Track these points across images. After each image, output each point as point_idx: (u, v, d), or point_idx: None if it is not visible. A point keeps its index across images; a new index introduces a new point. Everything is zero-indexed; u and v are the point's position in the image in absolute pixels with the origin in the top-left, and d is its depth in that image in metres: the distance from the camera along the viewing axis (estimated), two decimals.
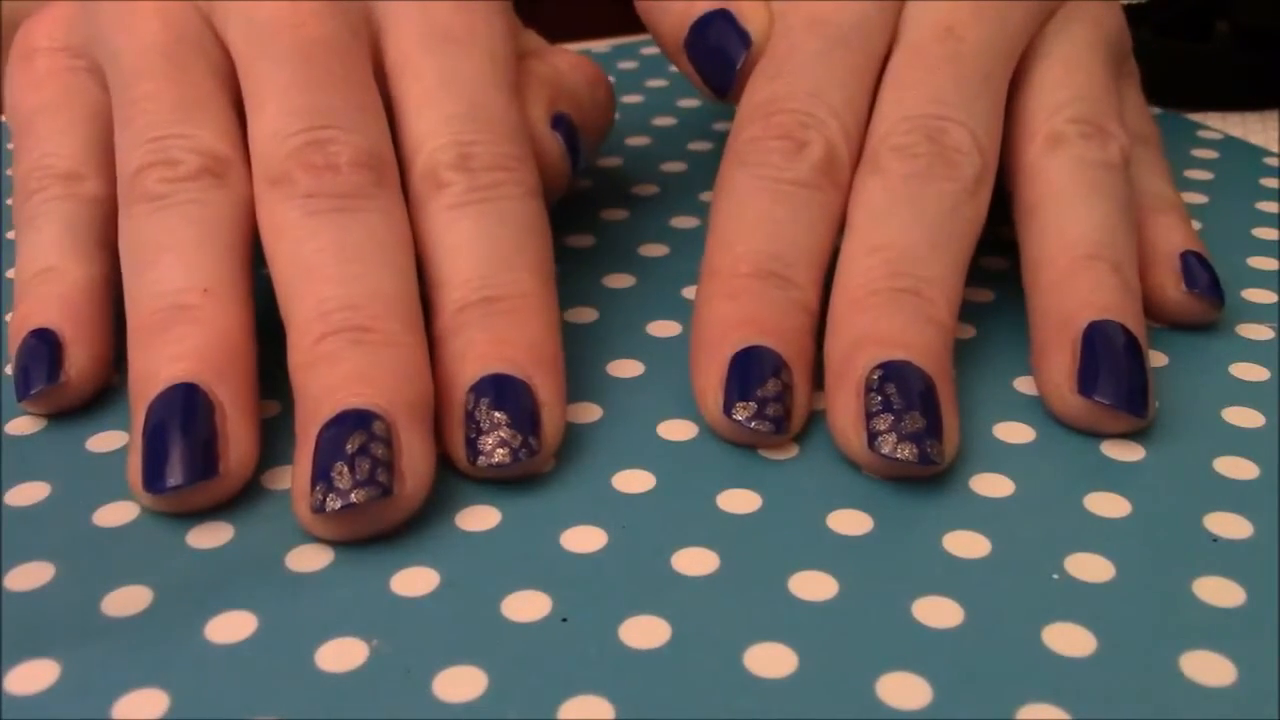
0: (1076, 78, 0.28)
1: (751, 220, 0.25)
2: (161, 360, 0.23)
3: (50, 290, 0.25)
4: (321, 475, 0.21)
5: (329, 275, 0.23)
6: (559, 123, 0.29)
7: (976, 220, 0.26)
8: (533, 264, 0.25)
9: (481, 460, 0.22)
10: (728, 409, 0.23)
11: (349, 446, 0.21)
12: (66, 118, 0.28)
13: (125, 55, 0.26)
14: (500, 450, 0.22)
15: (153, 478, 0.21)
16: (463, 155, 0.25)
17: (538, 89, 0.29)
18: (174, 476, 0.21)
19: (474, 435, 0.22)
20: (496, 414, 0.22)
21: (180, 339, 0.23)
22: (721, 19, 0.29)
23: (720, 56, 0.29)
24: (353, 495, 0.20)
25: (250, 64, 0.25)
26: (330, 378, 0.22)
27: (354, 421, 0.21)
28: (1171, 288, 0.27)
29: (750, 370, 0.23)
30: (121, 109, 0.26)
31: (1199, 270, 0.27)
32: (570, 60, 0.30)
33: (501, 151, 0.25)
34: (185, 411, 0.22)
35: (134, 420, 0.22)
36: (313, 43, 0.25)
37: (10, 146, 0.29)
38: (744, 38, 0.28)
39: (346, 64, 0.25)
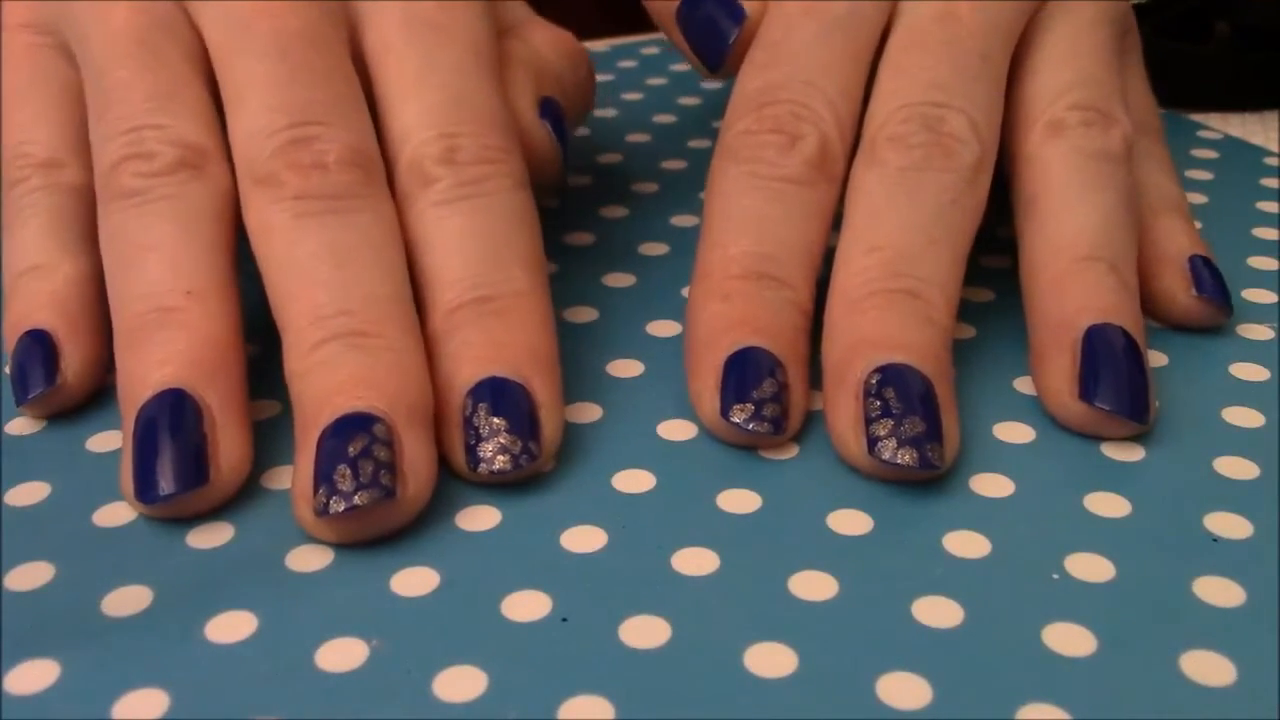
0: (1079, 59, 0.27)
1: (743, 219, 0.25)
2: (149, 365, 0.22)
3: (40, 288, 0.25)
4: (324, 478, 0.21)
5: (323, 280, 0.23)
6: (546, 110, 0.28)
7: (976, 210, 0.25)
8: (523, 258, 0.24)
9: (482, 468, 0.22)
10: (725, 411, 0.23)
11: (351, 449, 0.21)
12: (40, 101, 0.27)
13: (95, 41, 0.25)
14: (501, 457, 0.22)
15: (144, 487, 0.21)
16: (448, 149, 0.25)
17: (522, 74, 0.28)
18: (165, 486, 0.21)
19: (473, 442, 0.22)
20: (495, 420, 0.22)
21: (166, 343, 0.23)
22: None
23: (713, 31, 0.28)
24: (356, 498, 0.20)
25: (227, 56, 0.25)
26: (329, 382, 0.22)
27: (355, 424, 0.21)
28: (1181, 293, 0.27)
29: (746, 372, 0.23)
30: (94, 97, 0.25)
31: (1206, 274, 0.27)
32: (549, 37, 0.30)
33: (487, 143, 0.25)
34: (173, 419, 0.22)
35: (124, 426, 0.22)
36: (291, 34, 0.24)
37: None
38: (738, 14, 0.28)
39: (326, 56, 0.25)
